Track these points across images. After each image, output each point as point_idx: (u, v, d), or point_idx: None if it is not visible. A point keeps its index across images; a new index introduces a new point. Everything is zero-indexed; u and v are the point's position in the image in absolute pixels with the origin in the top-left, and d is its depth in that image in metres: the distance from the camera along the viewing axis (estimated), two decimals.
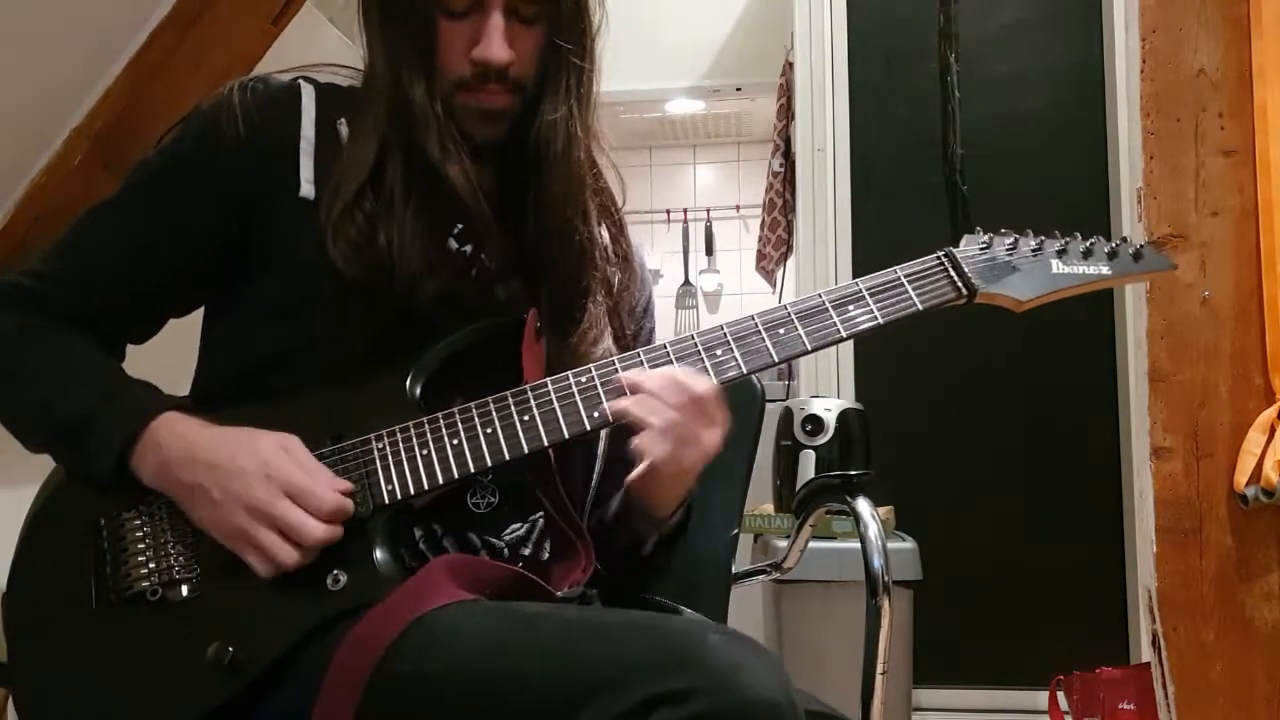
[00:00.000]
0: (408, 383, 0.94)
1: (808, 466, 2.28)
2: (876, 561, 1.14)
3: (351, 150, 0.97)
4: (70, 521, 0.93)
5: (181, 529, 0.90)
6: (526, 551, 0.96)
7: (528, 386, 0.93)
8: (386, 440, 0.91)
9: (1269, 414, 1.44)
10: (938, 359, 2.84)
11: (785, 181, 3.23)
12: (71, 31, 1.58)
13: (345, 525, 0.87)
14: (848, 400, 2.54)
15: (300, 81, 1.01)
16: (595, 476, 1.07)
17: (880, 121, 2.92)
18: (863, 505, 1.21)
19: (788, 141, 3.22)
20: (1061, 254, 1.01)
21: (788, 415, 2.35)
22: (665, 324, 4.42)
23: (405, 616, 0.78)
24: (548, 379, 0.93)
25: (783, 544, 1.57)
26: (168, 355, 1.07)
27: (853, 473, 1.35)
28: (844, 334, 0.95)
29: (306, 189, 0.96)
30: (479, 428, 0.91)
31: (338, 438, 0.92)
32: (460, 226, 0.99)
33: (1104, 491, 2.76)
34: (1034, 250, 1.01)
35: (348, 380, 0.94)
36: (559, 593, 0.91)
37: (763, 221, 3.43)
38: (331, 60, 1.06)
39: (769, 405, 1.47)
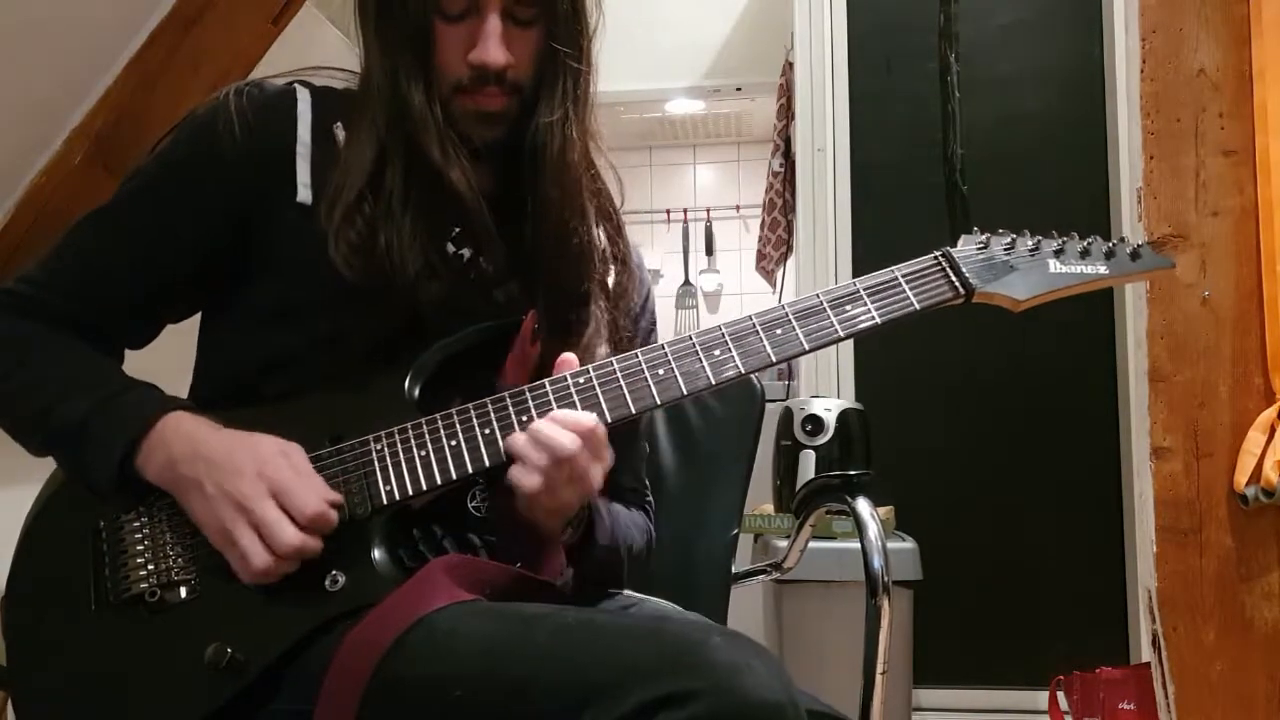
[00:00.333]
0: (406, 384, 0.94)
1: (808, 466, 2.28)
2: (876, 561, 1.14)
3: (349, 154, 0.97)
4: (69, 524, 0.93)
5: (180, 531, 0.90)
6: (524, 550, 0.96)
7: (525, 387, 0.93)
8: (385, 441, 0.91)
9: (1269, 414, 1.44)
10: (938, 359, 2.84)
11: (785, 181, 3.23)
12: (71, 31, 1.58)
13: (344, 526, 0.87)
14: (848, 400, 2.54)
15: (296, 85, 1.01)
16: None
17: (880, 122, 2.92)
18: (863, 505, 1.22)
19: (788, 141, 3.22)
20: (1059, 254, 1.01)
21: (788, 415, 2.35)
22: (665, 324, 4.41)
23: (404, 618, 0.78)
24: (546, 380, 0.93)
25: (783, 544, 1.57)
26: (166, 359, 1.07)
27: (853, 473, 1.36)
28: (842, 334, 0.95)
29: (303, 194, 0.96)
30: (477, 429, 0.91)
31: (336, 439, 0.92)
32: (459, 230, 0.99)
33: (1104, 491, 2.76)
34: (1031, 250, 1.01)
35: (346, 382, 0.94)
36: (556, 582, 0.91)
37: (763, 221, 3.43)
38: (331, 61, 1.06)
39: (769, 405, 1.48)
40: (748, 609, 2.27)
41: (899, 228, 2.84)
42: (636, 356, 0.94)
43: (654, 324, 1.18)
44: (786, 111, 3.24)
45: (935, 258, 0.99)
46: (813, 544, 1.50)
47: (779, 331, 0.94)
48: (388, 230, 0.94)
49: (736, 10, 3.71)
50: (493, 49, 0.94)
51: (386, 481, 0.90)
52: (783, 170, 3.24)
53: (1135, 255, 1.03)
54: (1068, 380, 2.81)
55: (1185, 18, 1.49)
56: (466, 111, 0.97)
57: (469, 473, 0.90)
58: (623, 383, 0.93)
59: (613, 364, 0.94)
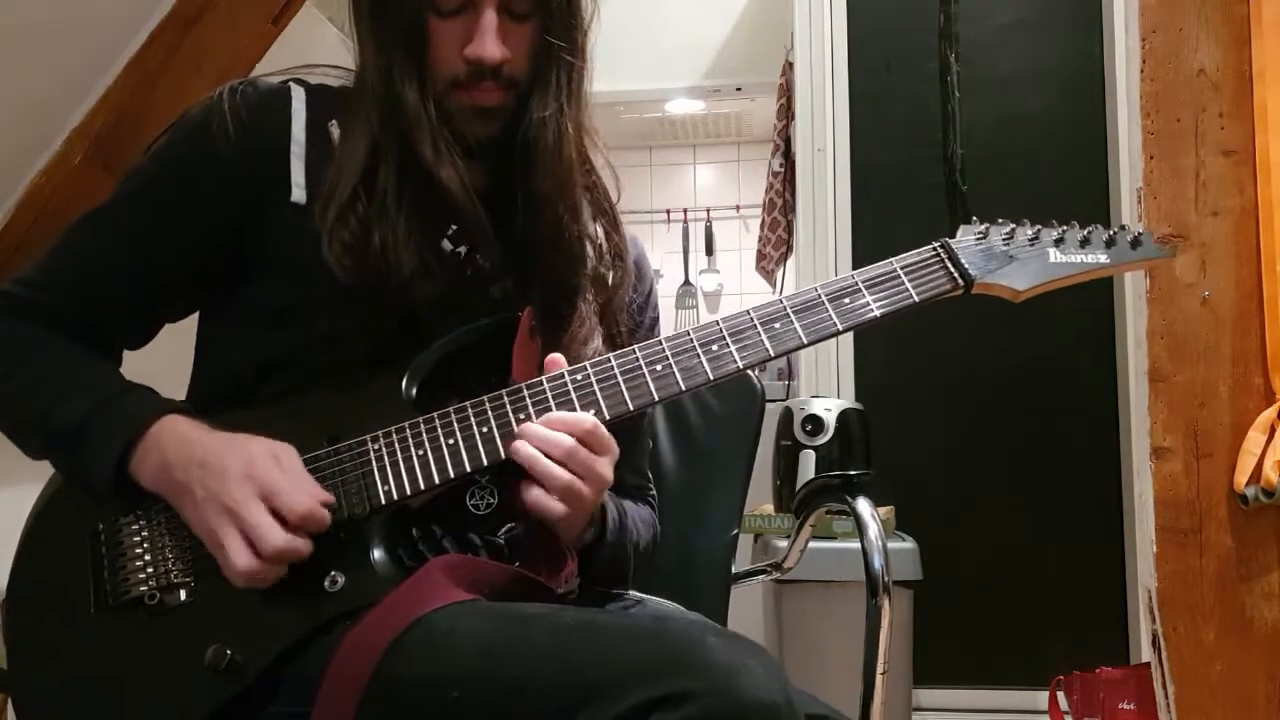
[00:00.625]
0: (403, 383, 0.93)
1: (808, 466, 2.28)
2: (876, 561, 1.14)
3: (343, 152, 0.96)
4: (69, 526, 0.92)
5: (179, 533, 0.89)
6: (525, 550, 0.96)
7: (523, 385, 0.93)
8: (383, 441, 0.91)
9: (1269, 414, 1.44)
10: (937, 359, 2.84)
11: (785, 181, 3.23)
12: (71, 31, 1.58)
13: (343, 527, 0.87)
14: (848, 400, 2.54)
15: (291, 84, 1.00)
16: None
17: (880, 122, 2.92)
18: (863, 505, 1.21)
19: (788, 141, 3.22)
20: (1059, 243, 1.00)
21: (788, 415, 2.35)
22: (665, 324, 4.41)
23: (403, 618, 0.78)
24: (542, 377, 0.93)
25: (783, 544, 1.57)
26: (164, 360, 1.07)
27: (853, 473, 1.36)
28: (840, 327, 0.94)
29: (298, 194, 0.96)
30: (475, 427, 0.91)
31: (334, 439, 0.92)
32: (454, 227, 0.98)
33: (1104, 491, 2.76)
34: (1031, 239, 1.00)
35: (344, 382, 0.94)
36: (559, 589, 0.91)
37: (763, 221, 3.43)
38: (331, 60, 1.06)
39: (769, 405, 1.47)
40: (748, 609, 2.26)
41: (899, 228, 2.83)
42: (634, 353, 0.93)
43: (657, 318, 1.17)
44: (786, 111, 3.24)
45: (934, 249, 0.98)
46: (813, 544, 1.50)
47: (777, 326, 0.93)
48: (382, 229, 0.93)
49: (736, 10, 3.71)
50: (489, 44, 0.94)
51: (385, 482, 0.89)
52: (783, 170, 3.24)
53: (1136, 243, 1.02)
54: (1068, 380, 2.81)
55: (1185, 18, 1.49)
56: (462, 107, 0.96)
57: (467, 472, 0.90)
58: (620, 380, 0.92)
59: (610, 361, 0.93)
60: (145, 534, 0.90)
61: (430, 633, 0.77)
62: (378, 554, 0.88)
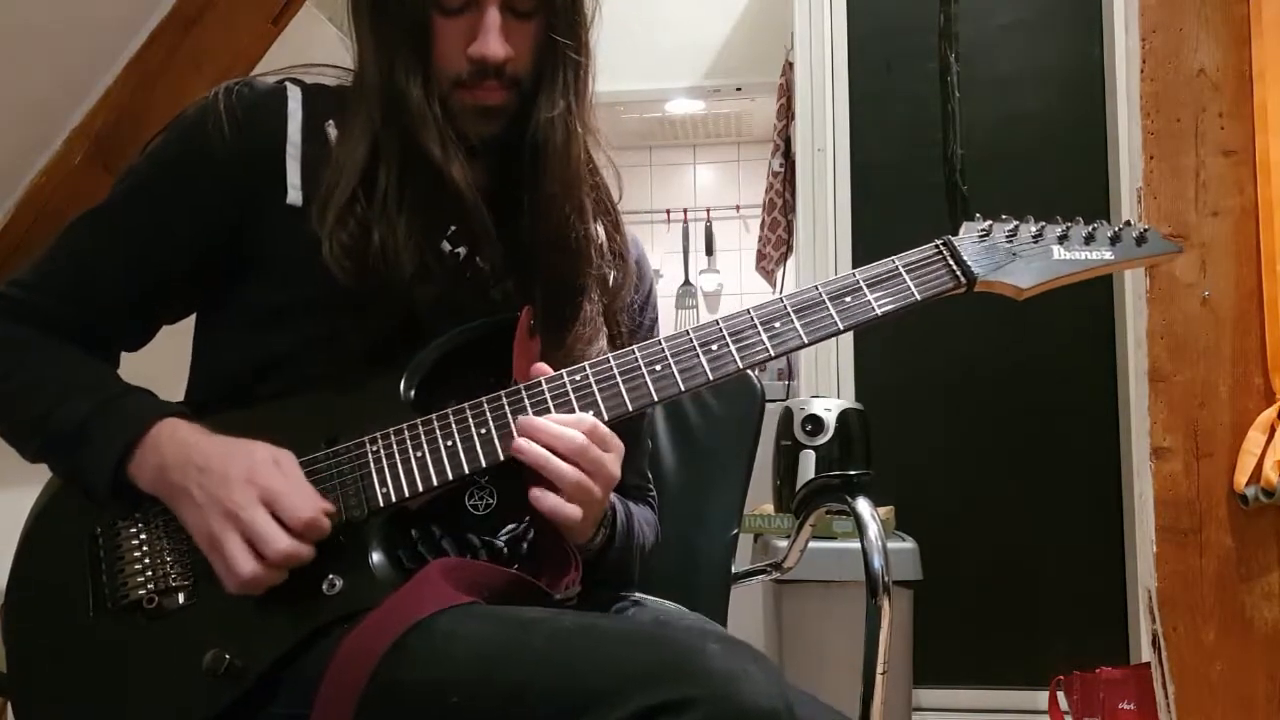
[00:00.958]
0: (402, 384, 0.93)
1: (808, 466, 2.28)
2: (876, 561, 1.14)
3: (341, 153, 0.96)
4: (67, 529, 0.92)
5: (177, 537, 0.89)
6: (524, 550, 0.96)
7: (522, 386, 0.92)
8: (380, 443, 0.90)
9: (1269, 414, 1.44)
10: (937, 359, 2.84)
11: (785, 181, 3.23)
12: (71, 31, 1.58)
13: (341, 529, 0.87)
14: (848, 400, 2.54)
15: (286, 84, 1.00)
16: None
17: (880, 122, 2.92)
18: (863, 505, 1.21)
19: (788, 141, 3.22)
20: (1063, 239, 0.99)
21: (788, 415, 2.35)
22: (665, 324, 4.41)
23: (402, 622, 0.77)
24: (541, 379, 0.92)
25: (783, 544, 1.57)
26: (162, 361, 1.07)
27: (853, 473, 1.35)
28: (841, 327, 0.93)
29: (294, 196, 0.95)
30: (473, 428, 0.90)
31: (332, 441, 0.91)
32: (454, 228, 0.98)
33: (1104, 491, 2.76)
34: (1034, 236, 0.99)
35: (342, 383, 0.93)
36: (556, 595, 0.91)
37: (763, 221, 3.43)
38: (331, 60, 1.06)
39: (769, 405, 1.47)
40: (748, 609, 2.27)
41: (899, 228, 2.83)
42: (634, 353, 0.93)
43: (656, 319, 1.17)
44: (786, 111, 3.24)
45: (936, 246, 0.97)
46: (813, 544, 1.50)
47: (777, 325, 0.93)
48: (381, 230, 0.93)
49: (736, 10, 3.71)
50: (493, 42, 0.93)
51: (383, 484, 0.89)
52: (783, 170, 3.24)
53: (1141, 240, 1.00)
54: (1068, 380, 2.81)
55: (1185, 18, 1.49)
56: (465, 107, 0.96)
57: (465, 473, 0.89)
58: (619, 381, 0.92)
59: (609, 361, 0.93)
60: (143, 537, 0.90)
61: (429, 636, 0.76)
62: (376, 557, 0.87)
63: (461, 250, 0.99)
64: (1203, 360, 1.47)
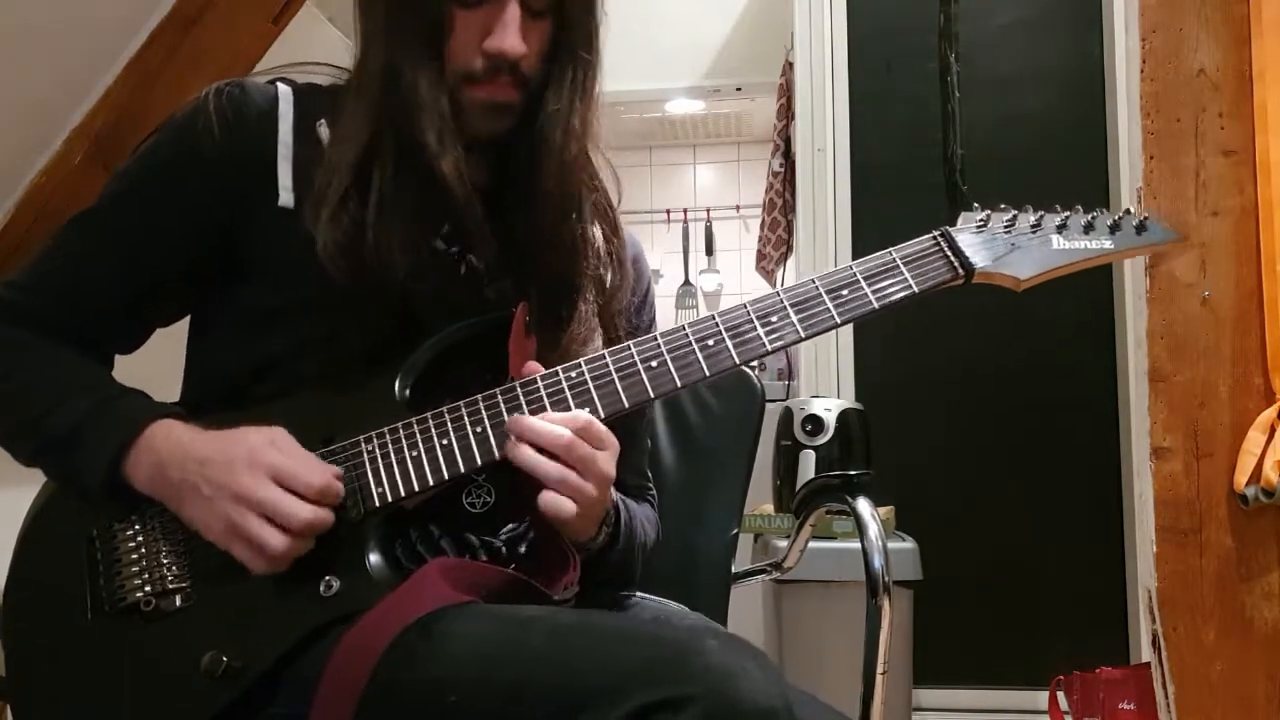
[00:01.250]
0: (396, 383, 0.92)
1: (808, 466, 2.28)
2: (876, 561, 1.14)
3: (335, 151, 0.95)
4: (64, 532, 0.92)
5: (174, 539, 0.89)
6: (523, 550, 0.96)
7: (517, 383, 0.92)
8: (376, 442, 0.90)
9: (1269, 414, 1.44)
10: (937, 359, 2.84)
11: (785, 181, 3.23)
12: (71, 31, 1.58)
13: (337, 529, 0.86)
14: (848, 400, 2.54)
15: (278, 84, 0.99)
16: None
17: (880, 122, 2.92)
18: (863, 505, 1.21)
19: (788, 141, 3.22)
20: (1061, 229, 0.97)
21: (788, 415, 2.35)
22: (665, 324, 4.40)
23: (400, 621, 0.77)
24: (537, 375, 0.92)
25: (783, 544, 1.57)
26: (158, 362, 1.06)
27: (853, 473, 1.35)
28: (839, 320, 0.92)
29: (285, 198, 0.94)
30: (469, 426, 0.90)
31: (327, 441, 0.91)
32: (449, 226, 0.97)
33: (1104, 491, 2.76)
34: (1033, 226, 0.97)
35: (337, 383, 0.93)
36: (555, 595, 0.90)
37: (763, 221, 3.43)
38: (330, 60, 1.05)
39: (769, 405, 1.47)
40: (748, 609, 2.27)
41: (899, 228, 2.78)
42: (630, 349, 0.92)
43: (654, 319, 1.17)
44: (786, 111, 3.24)
45: (934, 238, 0.96)
46: (813, 544, 1.50)
47: (774, 320, 0.92)
48: (375, 229, 0.92)
49: (736, 10, 3.71)
50: (510, 36, 0.92)
51: (379, 483, 0.89)
52: (783, 170, 3.24)
53: (1141, 228, 0.99)
54: (1068, 380, 2.81)
55: (1185, 18, 1.49)
56: (475, 103, 0.95)
57: (462, 472, 0.89)
58: (616, 377, 0.91)
59: (606, 358, 0.92)
60: (140, 539, 0.90)
61: (428, 635, 0.76)
62: (374, 557, 0.87)
63: (455, 248, 0.98)
64: (1203, 360, 1.47)
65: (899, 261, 0.94)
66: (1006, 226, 0.97)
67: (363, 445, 0.90)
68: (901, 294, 0.93)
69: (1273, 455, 1.41)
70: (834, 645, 2.14)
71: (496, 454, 0.89)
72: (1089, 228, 0.98)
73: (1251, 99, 1.47)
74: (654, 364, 0.91)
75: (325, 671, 0.77)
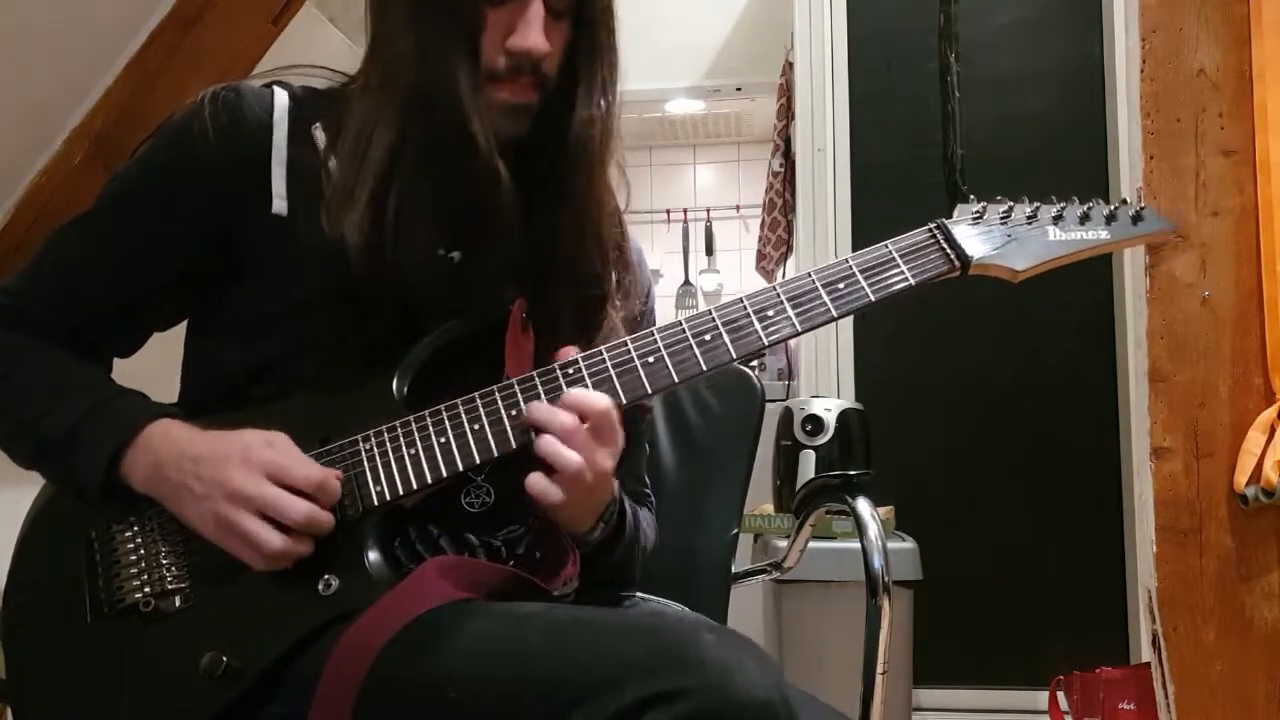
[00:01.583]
0: (394, 382, 0.92)
1: (808, 466, 2.28)
2: (876, 561, 1.14)
3: (355, 148, 0.94)
4: (62, 533, 0.92)
5: (172, 539, 0.89)
6: (521, 551, 0.96)
7: (514, 380, 0.91)
8: (374, 441, 0.90)
9: (1269, 414, 1.44)
10: (938, 359, 2.84)
11: (785, 181, 3.23)
12: (71, 31, 1.58)
13: (336, 528, 0.86)
14: (848, 400, 2.54)
15: (274, 88, 0.98)
16: None
17: (880, 122, 2.92)
18: (863, 505, 1.21)
19: (788, 141, 3.22)
20: (1057, 220, 0.97)
21: (788, 415, 2.35)
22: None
23: (399, 618, 0.78)
24: (534, 371, 0.92)
25: (783, 544, 1.57)
26: (154, 364, 1.06)
27: (853, 473, 1.35)
28: (835, 314, 0.92)
29: (279, 205, 0.94)
30: (466, 424, 0.90)
31: (325, 440, 0.91)
32: (467, 229, 0.96)
33: (1104, 491, 2.76)
34: (1029, 217, 0.97)
35: (334, 383, 0.93)
36: (554, 591, 0.90)
37: (763, 221, 3.43)
38: (331, 62, 1.05)
39: (769, 405, 1.47)
40: (748, 609, 2.27)
41: (899, 228, 2.80)
42: (626, 345, 0.92)
43: (654, 322, 1.17)
44: (786, 111, 3.24)
45: (929, 230, 0.96)
46: (813, 544, 1.50)
47: (771, 313, 0.92)
48: (397, 229, 0.91)
49: (736, 10, 3.71)
50: (534, 34, 0.92)
51: (376, 482, 0.89)
52: (783, 170, 3.24)
53: (1137, 218, 0.99)
54: (1068, 380, 2.81)
55: (1185, 18, 1.49)
56: (494, 103, 0.94)
57: (459, 469, 0.89)
58: (613, 374, 0.91)
59: (602, 354, 0.92)
60: (138, 540, 0.90)
61: (427, 632, 0.76)
62: (373, 556, 0.87)
63: (465, 253, 0.97)
64: (1203, 360, 1.47)
65: (895, 254, 0.94)
66: (1003, 218, 0.98)
67: (360, 444, 0.90)
68: (898, 286, 0.93)
69: (1273, 455, 1.41)
70: (834, 645, 2.14)
71: (495, 450, 0.89)
72: (1085, 218, 0.98)
73: (1251, 99, 1.47)
74: (651, 359, 0.91)
75: (324, 669, 0.77)
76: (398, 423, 0.91)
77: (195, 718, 0.83)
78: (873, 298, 0.92)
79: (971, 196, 1.00)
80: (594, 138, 0.97)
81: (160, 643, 0.86)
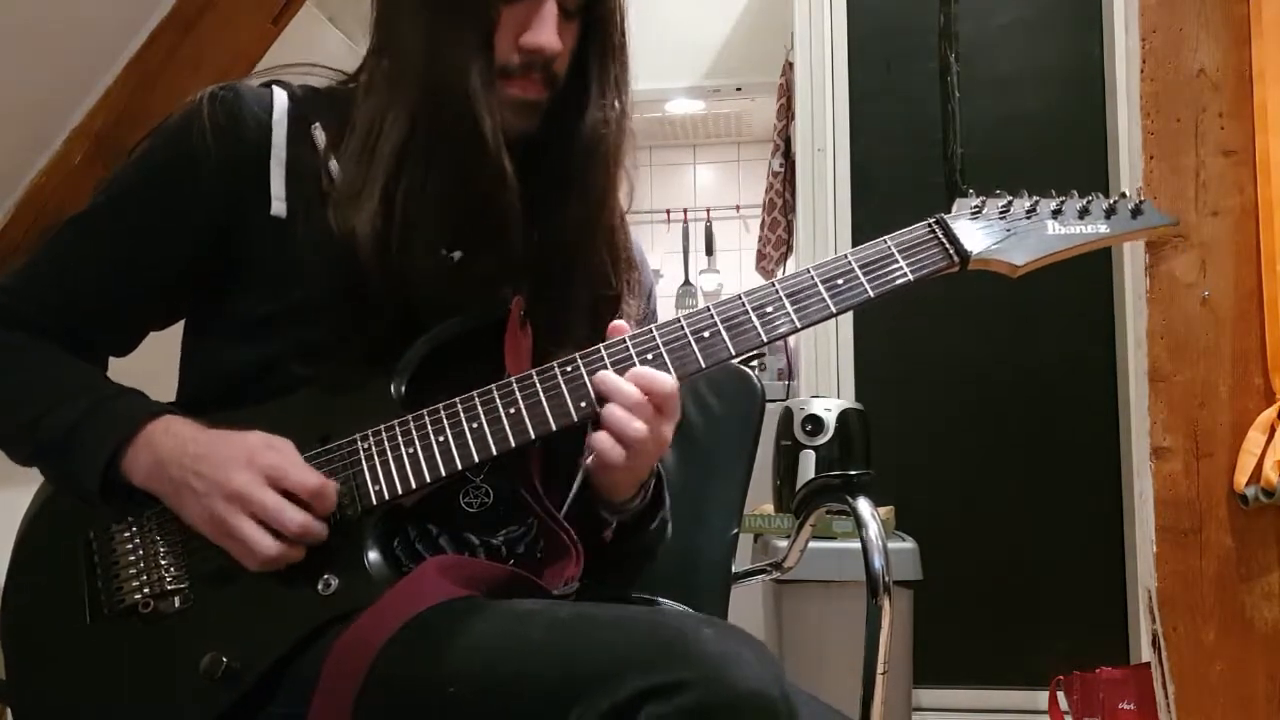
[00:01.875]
0: (393, 382, 0.92)
1: (808, 466, 2.28)
2: (876, 561, 1.14)
3: (364, 142, 0.93)
4: (61, 534, 0.92)
5: (171, 540, 0.89)
6: (521, 550, 0.96)
7: (513, 379, 0.91)
8: (372, 440, 0.90)
9: (1269, 414, 1.44)
10: (938, 359, 2.84)
11: (785, 181, 3.23)
12: (71, 31, 1.58)
13: (335, 528, 0.86)
14: (848, 400, 2.54)
15: (273, 87, 0.98)
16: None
17: (880, 122, 2.92)
18: (863, 505, 1.21)
19: (788, 141, 3.22)
20: (1056, 214, 0.97)
21: (788, 415, 2.35)
22: None
23: (399, 616, 0.78)
24: (533, 370, 0.91)
25: (783, 544, 1.57)
26: (153, 364, 1.06)
27: (853, 473, 1.35)
28: (834, 310, 0.92)
29: (277, 207, 0.94)
30: (464, 423, 0.90)
31: (324, 440, 0.91)
32: (472, 229, 0.95)
33: (1104, 491, 2.76)
34: (1028, 211, 0.97)
35: (333, 383, 0.93)
36: (554, 590, 0.90)
37: (763, 221, 3.43)
38: (332, 62, 1.05)
39: (769, 405, 1.47)
40: (748, 609, 2.26)
41: (899, 228, 2.81)
42: (625, 343, 0.91)
43: (655, 316, 1.17)
44: (786, 111, 3.24)
45: (928, 225, 0.96)
46: (813, 544, 1.50)
47: (770, 310, 0.91)
48: (405, 226, 0.91)
49: (736, 10, 3.71)
50: (548, 32, 0.92)
51: (375, 481, 0.89)
52: (783, 170, 3.24)
53: (1137, 212, 0.99)
54: (1068, 380, 2.81)
55: (1185, 18, 1.49)
56: (505, 100, 0.94)
57: (459, 468, 0.89)
58: (610, 370, 0.91)
59: (600, 351, 0.91)
60: (137, 541, 0.90)
61: (427, 630, 0.77)
62: (372, 555, 0.87)
63: (469, 254, 0.97)
64: (1203, 360, 1.47)
65: (894, 249, 0.94)
66: (1001, 213, 0.97)
67: (359, 444, 0.90)
68: (898, 282, 0.93)
69: (1273, 455, 1.40)
70: (834, 645, 2.14)
71: (494, 449, 0.89)
72: (1084, 212, 0.98)
73: (1251, 99, 1.47)
74: (649, 356, 0.91)
75: (324, 667, 0.77)
76: (396, 422, 0.90)
77: (195, 718, 0.83)
78: (872, 294, 0.92)
79: (970, 192, 1.00)
80: (608, 138, 0.98)
81: (160, 644, 0.86)
